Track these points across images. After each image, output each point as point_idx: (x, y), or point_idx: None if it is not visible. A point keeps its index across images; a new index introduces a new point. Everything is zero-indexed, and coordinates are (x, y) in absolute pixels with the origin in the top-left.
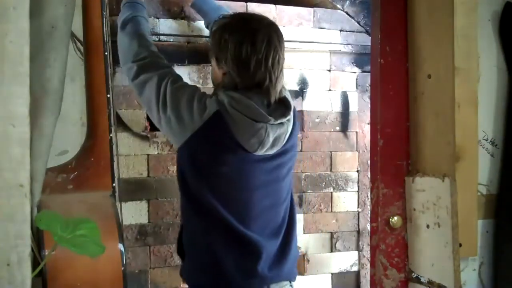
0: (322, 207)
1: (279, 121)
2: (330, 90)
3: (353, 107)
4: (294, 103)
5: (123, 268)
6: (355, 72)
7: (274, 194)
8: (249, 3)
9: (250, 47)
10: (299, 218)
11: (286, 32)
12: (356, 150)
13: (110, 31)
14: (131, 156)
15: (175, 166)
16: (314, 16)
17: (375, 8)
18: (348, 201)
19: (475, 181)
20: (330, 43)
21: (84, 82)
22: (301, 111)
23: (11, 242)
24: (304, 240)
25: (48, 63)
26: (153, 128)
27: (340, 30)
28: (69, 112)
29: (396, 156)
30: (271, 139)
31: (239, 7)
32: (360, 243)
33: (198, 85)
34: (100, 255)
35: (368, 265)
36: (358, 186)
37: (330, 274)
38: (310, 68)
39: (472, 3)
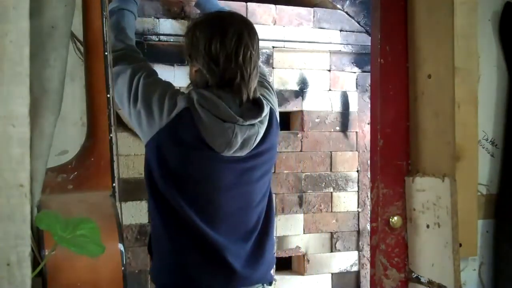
0: (322, 207)
1: (248, 122)
2: (330, 90)
3: (353, 107)
4: (294, 103)
5: (123, 268)
6: (355, 72)
7: (245, 197)
8: (249, 3)
9: (220, 43)
10: (299, 218)
11: (286, 32)
12: (356, 150)
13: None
14: (131, 156)
15: None
16: (314, 16)
17: (375, 8)
18: (348, 201)
19: (475, 181)
20: (330, 43)
21: (84, 82)
22: (301, 111)
23: (11, 242)
24: (304, 240)
25: (48, 63)
26: None
27: (340, 30)
28: (69, 112)
29: (396, 156)
30: (239, 140)
31: (239, 7)
32: (360, 243)
33: None
34: (100, 255)
35: (368, 265)
36: (358, 186)
37: (330, 274)
38: (310, 68)
39: (472, 3)
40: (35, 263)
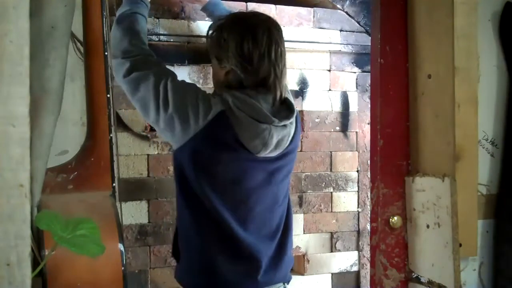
0: (322, 207)
1: (283, 123)
2: (330, 90)
3: (353, 107)
4: (294, 103)
5: (123, 268)
6: (355, 72)
7: (271, 197)
8: (249, 3)
9: (252, 42)
10: (299, 218)
11: (286, 32)
12: (356, 150)
13: (110, 31)
14: (131, 156)
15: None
16: (314, 16)
17: (375, 8)
18: (348, 201)
19: (475, 181)
20: (330, 43)
21: (84, 82)
22: (301, 111)
23: (11, 242)
24: (304, 240)
25: (48, 63)
26: (153, 128)
27: (340, 30)
28: (69, 112)
29: (396, 156)
30: (274, 141)
31: (239, 7)
32: (360, 243)
33: (198, 85)
34: (100, 255)
35: (368, 265)
36: (358, 186)
37: (330, 274)
38: (310, 68)
39: (472, 3)
40: (35, 263)
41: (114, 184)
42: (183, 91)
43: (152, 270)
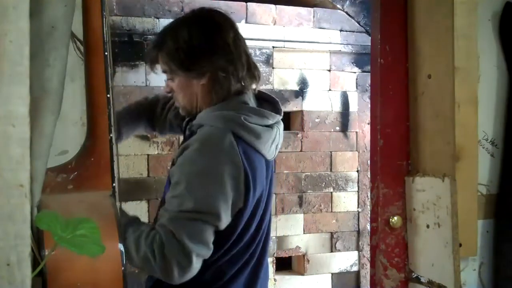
0: (322, 207)
1: (278, 119)
2: (330, 90)
3: (353, 107)
4: (294, 103)
5: (123, 268)
6: (355, 72)
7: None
8: (249, 3)
9: (220, 31)
10: (299, 218)
11: (286, 32)
12: (356, 150)
13: (110, 31)
14: (131, 156)
15: None
16: (314, 16)
17: (375, 8)
18: (348, 201)
19: (475, 181)
20: (330, 43)
21: (84, 82)
22: (301, 111)
23: (11, 242)
24: (304, 240)
25: (48, 63)
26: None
27: (340, 30)
28: (69, 112)
29: (396, 156)
30: (281, 139)
31: (239, 7)
32: (360, 243)
33: None
34: (100, 255)
35: (368, 265)
36: (358, 186)
37: (330, 274)
38: (310, 68)
39: (472, 3)
40: (35, 263)
41: (114, 184)
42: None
43: None
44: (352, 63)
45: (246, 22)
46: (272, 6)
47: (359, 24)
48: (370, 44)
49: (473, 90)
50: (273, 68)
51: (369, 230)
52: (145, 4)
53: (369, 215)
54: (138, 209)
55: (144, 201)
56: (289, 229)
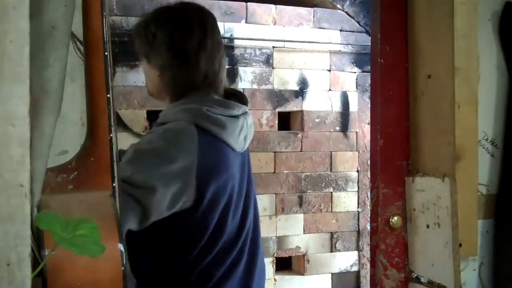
0: (322, 207)
1: (243, 110)
2: (330, 90)
3: (353, 107)
4: (294, 103)
5: (123, 268)
6: (355, 72)
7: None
8: (249, 3)
9: (184, 32)
10: (299, 218)
11: (286, 32)
12: (356, 150)
13: (110, 31)
14: None
15: None
16: (314, 16)
17: (375, 8)
18: (348, 201)
19: (475, 181)
20: (330, 43)
21: (84, 82)
22: (301, 111)
23: (11, 242)
24: (304, 240)
25: (48, 63)
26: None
27: (340, 30)
28: (69, 112)
29: (396, 156)
30: (251, 131)
31: (239, 7)
32: (360, 243)
33: None
34: (100, 255)
35: (368, 265)
36: (358, 186)
37: (330, 274)
38: (310, 68)
39: (472, 3)
40: (35, 263)
41: (114, 184)
42: (149, 164)
43: None
44: (352, 63)
45: (246, 22)
46: (272, 6)
47: (359, 24)
48: (370, 44)
49: (473, 90)
50: (273, 68)
51: (369, 230)
52: (145, 4)
53: (369, 215)
54: None
55: None
56: (289, 229)
